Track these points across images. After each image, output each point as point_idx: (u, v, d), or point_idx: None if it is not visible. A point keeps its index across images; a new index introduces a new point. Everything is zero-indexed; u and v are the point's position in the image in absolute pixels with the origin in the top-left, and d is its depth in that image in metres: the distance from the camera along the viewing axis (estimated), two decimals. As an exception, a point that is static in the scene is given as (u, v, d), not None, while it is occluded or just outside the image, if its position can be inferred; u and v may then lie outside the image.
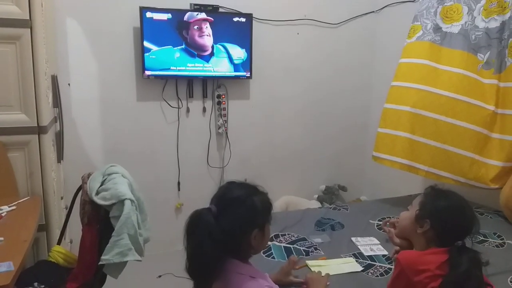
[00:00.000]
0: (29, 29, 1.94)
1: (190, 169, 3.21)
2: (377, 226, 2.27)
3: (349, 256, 1.90)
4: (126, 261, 1.69)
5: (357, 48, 3.58)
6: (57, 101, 2.37)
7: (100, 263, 1.65)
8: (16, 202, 1.88)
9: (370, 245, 2.01)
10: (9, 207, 1.83)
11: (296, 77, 3.43)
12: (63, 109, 2.50)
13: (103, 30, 2.81)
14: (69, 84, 2.77)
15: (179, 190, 3.21)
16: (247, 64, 3.11)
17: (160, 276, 2.78)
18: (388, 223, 1.67)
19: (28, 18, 1.93)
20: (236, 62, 3.09)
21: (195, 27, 2.93)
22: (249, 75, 3.15)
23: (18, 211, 1.82)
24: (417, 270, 1.31)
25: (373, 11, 3.55)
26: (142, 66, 2.85)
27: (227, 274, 1.22)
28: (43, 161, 2.05)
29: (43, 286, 1.77)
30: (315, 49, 3.45)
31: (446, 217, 1.39)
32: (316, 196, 3.49)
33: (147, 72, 2.87)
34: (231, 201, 1.24)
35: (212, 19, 2.96)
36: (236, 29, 3.04)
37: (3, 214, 1.77)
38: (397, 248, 1.75)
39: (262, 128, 3.39)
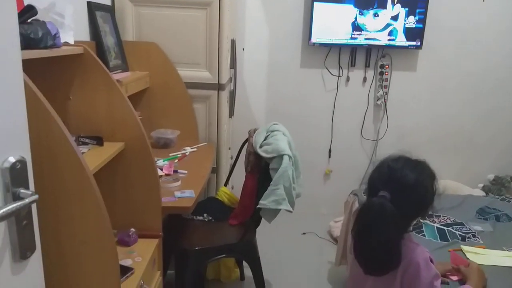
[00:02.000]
0: (218, -4, 2.21)
1: (342, 138, 3.23)
2: (556, 227, 1.94)
3: (515, 251, 1.70)
4: (280, 209, 1.87)
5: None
6: (233, 63, 2.67)
7: (258, 206, 1.86)
8: (197, 146, 2.24)
9: (544, 245, 1.75)
10: (191, 148, 2.19)
11: (474, 51, 3.05)
12: (236, 71, 2.80)
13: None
14: (243, 49, 3.06)
15: (329, 157, 3.28)
16: (419, 33, 2.91)
17: (304, 234, 2.96)
18: None
19: (217, -14, 2.19)
20: (407, 30, 2.91)
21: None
22: (419, 45, 2.94)
23: (198, 152, 2.17)
24: None
25: None
26: (309, 33, 2.94)
27: None
28: (220, 114, 2.37)
29: (210, 217, 2.10)
30: (503, 19, 2.98)
31: None
32: (482, 185, 3.13)
33: (313, 40, 2.95)
34: (405, 187, 1.18)
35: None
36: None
37: (187, 153, 2.13)
38: None
39: (426, 103, 3.16)
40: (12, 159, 0.77)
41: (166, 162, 1.92)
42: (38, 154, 0.90)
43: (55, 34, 1.15)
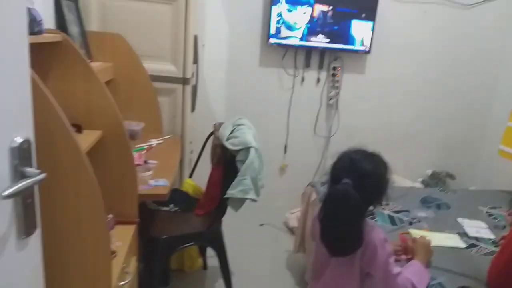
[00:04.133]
0: (184, -9, 2.25)
1: (297, 134, 3.40)
2: (486, 213, 2.23)
3: (454, 233, 1.94)
4: (246, 198, 1.96)
5: (488, 33, 3.35)
6: (196, 59, 2.72)
7: (225, 196, 1.94)
8: (163, 138, 2.27)
9: (477, 228, 2.01)
10: (157, 140, 2.21)
11: (417, 57, 3.36)
12: (198, 67, 2.85)
13: (237, -2, 3.07)
14: (203, 45, 3.10)
15: (285, 152, 3.44)
16: (368, 38, 3.15)
17: (262, 225, 3.08)
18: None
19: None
20: (356, 36, 3.14)
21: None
22: (368, 50, 3.18)
23: (164, 145, 2.21)
24: None
25: (513, -7, 3.27)
26: (267, 33, 3.07)
27: None
28: (184, 108, 2.41)
29: (177, 208, 2.14)
30: (441, 30, 3.31)
31: None
32: (421, 179, 3.45)
33: (271, 40, 3.08)
34: (365, 175, 1.30)
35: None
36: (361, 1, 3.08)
37: (153, 145, 2.16)
38: (505, 234, 1.76)
39: (373, 104, 3.42)
40: (19, 139, 0.80)
41: (135, 153, 1.93)
42: (37, 136, 0.92)
43: (39, 21, 1.16)
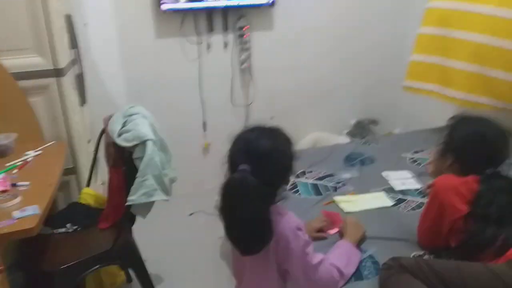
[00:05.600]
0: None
1: (214, 108, 3.13)
2: (409, 159, 2.16)
3: (379, 191, 1.83)
4: (153, 201, 1.70)
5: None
6: (74, 42, 2.30)
7: (126, 203, 1.66)
8: (42, 147, 1.88)
9: (402, 180, 1.92)
10: (34, 152, 1.83)
11: (324, 5, 3.15)
12: (82, 51, 2.43)
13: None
14: (85, 24, 2.66)
15: (205, 130, 3.17)
16: (269, -9, 2.88)
17: (191, 214, 2.84)
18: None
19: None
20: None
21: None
22: (272, 2, 2.92)
23: (44, 156, 1.83)
24: (450, 193, 1.24)
25: None
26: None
27: None
28: (65, 105, 2.02)
29: (75, 226, 1.82)
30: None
31: (466, 147, 1.31)
32: (346, 131, 3.37)
33: (164, 6, 2.71)
34: (263, 155, 1.15)
35: None
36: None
37: (29, 160, 1.78)
38: (430, 182, 1.66)
39: (288, 61, 3.20)
40: None
41: (1, 175, 1.56)
42: None
43: None
